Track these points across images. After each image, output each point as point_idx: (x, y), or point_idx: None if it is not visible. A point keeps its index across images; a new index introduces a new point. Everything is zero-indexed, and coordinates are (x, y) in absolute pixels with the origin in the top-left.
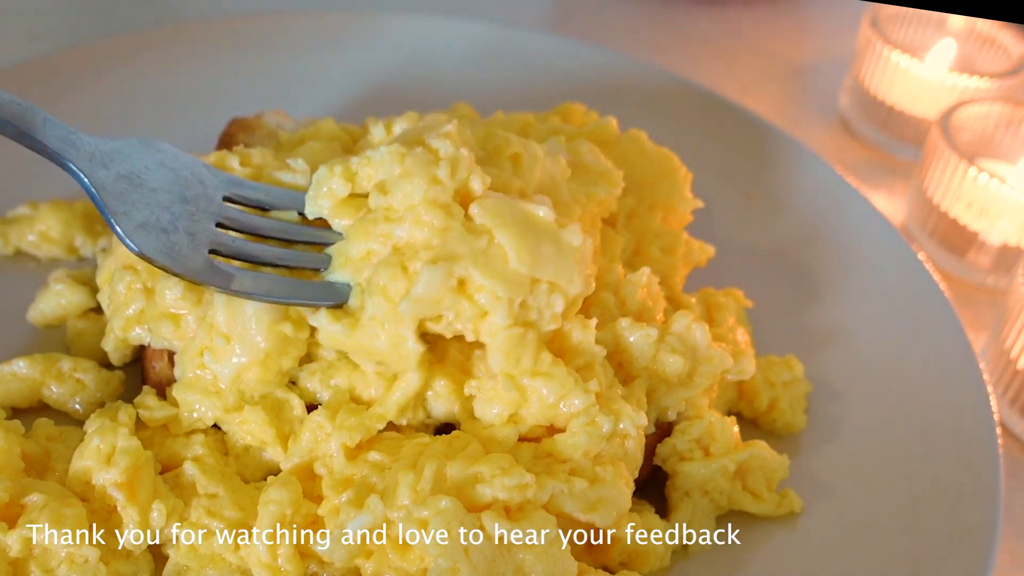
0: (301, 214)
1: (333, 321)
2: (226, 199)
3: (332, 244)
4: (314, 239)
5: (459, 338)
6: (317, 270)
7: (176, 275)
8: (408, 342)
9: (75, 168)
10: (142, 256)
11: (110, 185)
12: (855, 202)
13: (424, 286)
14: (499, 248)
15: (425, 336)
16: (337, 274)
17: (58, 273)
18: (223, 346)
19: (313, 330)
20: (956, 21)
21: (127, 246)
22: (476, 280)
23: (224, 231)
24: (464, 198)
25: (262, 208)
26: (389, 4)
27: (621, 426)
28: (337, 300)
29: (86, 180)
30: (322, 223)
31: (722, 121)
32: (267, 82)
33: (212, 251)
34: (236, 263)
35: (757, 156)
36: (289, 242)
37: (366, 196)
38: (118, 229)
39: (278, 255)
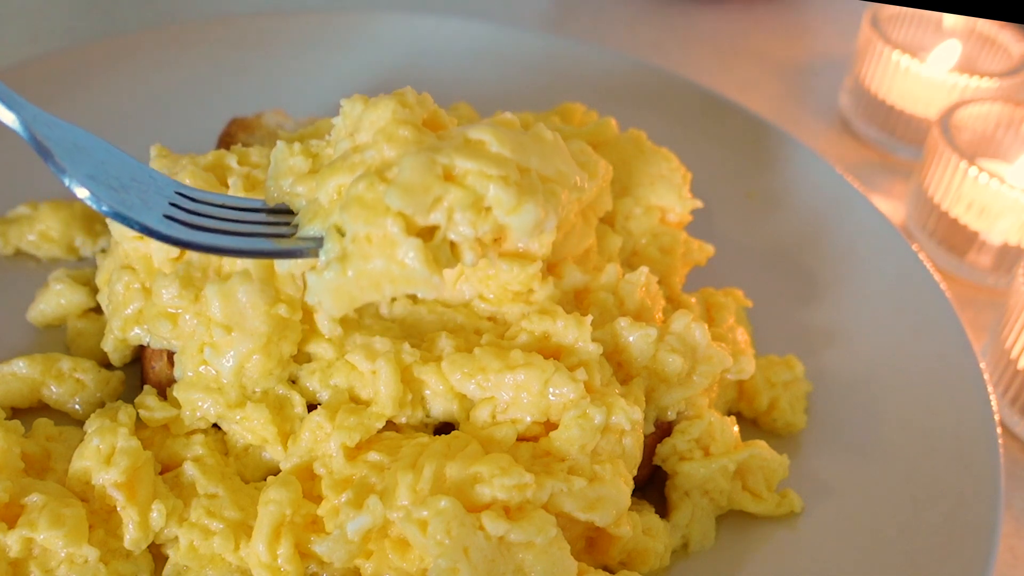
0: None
1: (321, 275)
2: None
3: (293, 229)
4: (278, 215)
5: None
6: (283, 234)
7: (132, 225)
8: (401, 245)
9: (22, 117)
10: (93, 200)
11: (55, 139)
12: (855, 202)
13: (408, 170)
14: (477, 140)
15: None
16: (307, 229)
17: (58, 273)
18: (223, 337)
19: (307, 314)
20: (956, 21)
21: (75, 191)
22: (462, 167)
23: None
24: (434, 127)
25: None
26: (389, 4)
27: (614, 419)
28: (311, 247)
29: (33, 127)
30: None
31: (722, 121)
32: (267, 82)
33: (167, 217)
34: None
35: (757, 156)
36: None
37: None
38: (72, 175)
39: (240, 223)
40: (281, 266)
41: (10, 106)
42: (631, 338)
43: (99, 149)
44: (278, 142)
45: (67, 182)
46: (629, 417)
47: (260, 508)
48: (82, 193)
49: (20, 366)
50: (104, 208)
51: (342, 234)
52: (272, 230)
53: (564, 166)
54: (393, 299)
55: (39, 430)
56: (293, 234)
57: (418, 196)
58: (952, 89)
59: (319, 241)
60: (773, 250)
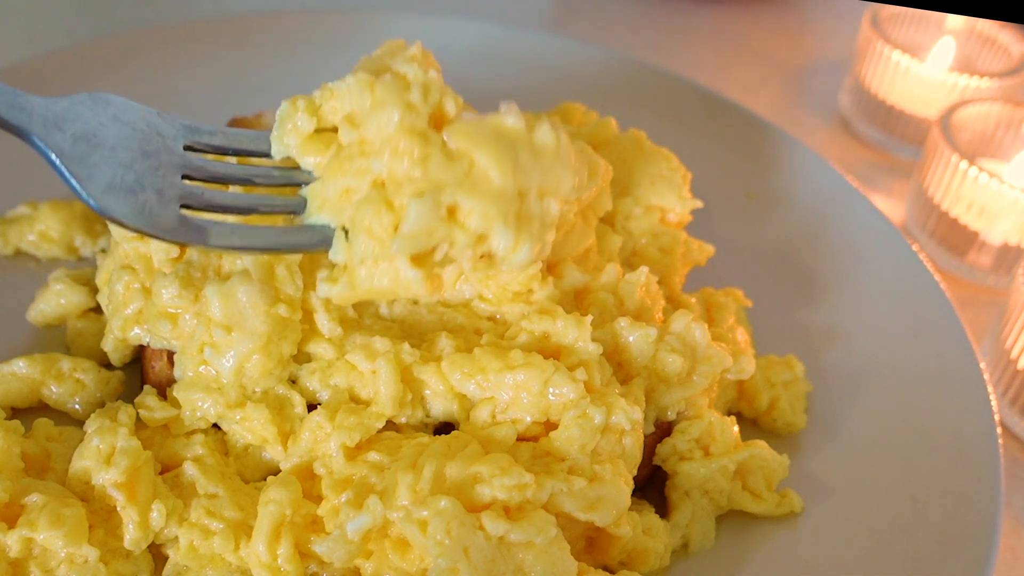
0: (267, 156)
1: (332, 285)
2: (187, 148)
3: (305, 184)
4: (285, 180)
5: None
6: (294, 213)
7: (149, 236)
8: (406, 272)
9: (32, 135)
10: (112, 219)
11: (68, 149)
12: (855, 202)
13: (414, 220)
14: (481, 170)
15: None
16: (315, 217)
17: (58, 273)
18: (223, 337)
19: (307, 314)
20: (956, 21)
21: (96, 211)
22: (465, 205)
23: (192, 182)
24: (438, 122)
25: (225, 153)
26: (389, 4)
27: (614, 419)
28: (321, 243)
29: (43, 146)
30: (290, 163)
31: (722, 121)
32: (267, 82)
33: (184, 205)
34: (209, 216)
35: (757, 156)
36: (260, 185)
37: (333, 130)
38: (85, 195)
39: (252, 202)
40: None
41: (18, 125)
42: (631, 338)
43: (107, 127)
44: (283, 102)
45: (88, 203)
46: (629, 417)
47: (260, 508)
48: (103, 214)
49: (20, 366)
50: (127, 226)
51: (347, 232)
52: (282, 205)
53: (564, 173)
54: (393, 299)
55: (39, 430)
56: (302, 210)
57: (423, 240)
58: (952, 89)
59: (326, 232)
60: (773, 250)
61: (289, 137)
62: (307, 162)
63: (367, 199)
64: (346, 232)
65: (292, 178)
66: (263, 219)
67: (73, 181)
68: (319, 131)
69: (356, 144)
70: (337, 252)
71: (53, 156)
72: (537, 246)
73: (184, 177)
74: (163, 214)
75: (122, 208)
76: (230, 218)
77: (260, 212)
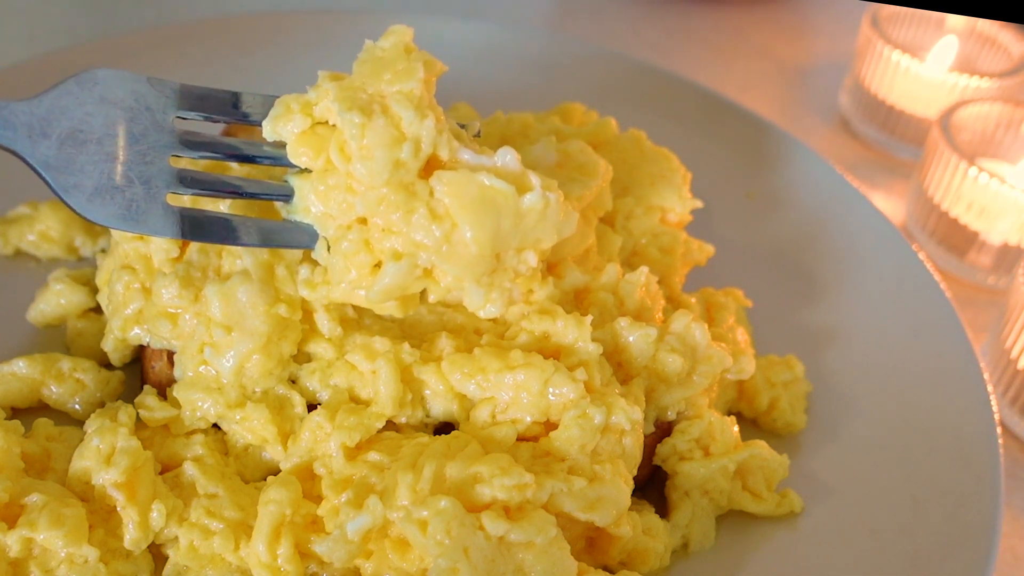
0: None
1: (312, 291)
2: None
3: (292, 168)
4: (275, 156)
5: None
6: (282, 199)
7: (143, 234)
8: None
9: (17, 151)
10: (100, 224)
11: (54, 158)
12: (855, 202)
13: (390, 279)
14: (460, 236)
15: None
16: (300, 216)
17: (58, 273)
18: (223, 337)
19: (307, 314)
20: (956, 20)
21: (86, 219)
22: (441, 266)
23: (181, 160)
24: (430, 165)
25: (216, 119)
26: (389, 4)
27: (614, 419)
28: (306, 242)
29: (30, 160)
30: (282, 143)
31: (722, 121)
32: (267, 82)
33: (172, 191)
34: (197, 207)
35: (757, 156)
36: (249, 161)
37: (325, 124)
38: (73, 206)
39: (239, 186)
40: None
41: (2, 142)
42: (631, 338)
43: (94, 116)
44: (277, 101)
45: (78, 213)
46: (629, 417)
47: (260, 508)
48: (92, 220)
49: (20, 366)
50: (117, 229)
51: (328, 242)
52: (269, 189)
53: (545, 232)
54: None
55: (39, 430)
56: (290, 197)
57: (396, 293)
58: (952, 89)
59: (311, 231)
60: (773, 250)
61: (282, 131)
62: (300, 161)
63: (348, 235)
64: (328, 244)
65: (282, 157)
66: (250, 206)
67: (61, 193)
68: (315, 125)
69: (344, 175)
70: (320, 255)
71: (40, 170)
72: (505, 303)
73: (175, 154)
74: (151, 209)
75: (109, 212)
76: (218, 204)
77: (247, 196)
